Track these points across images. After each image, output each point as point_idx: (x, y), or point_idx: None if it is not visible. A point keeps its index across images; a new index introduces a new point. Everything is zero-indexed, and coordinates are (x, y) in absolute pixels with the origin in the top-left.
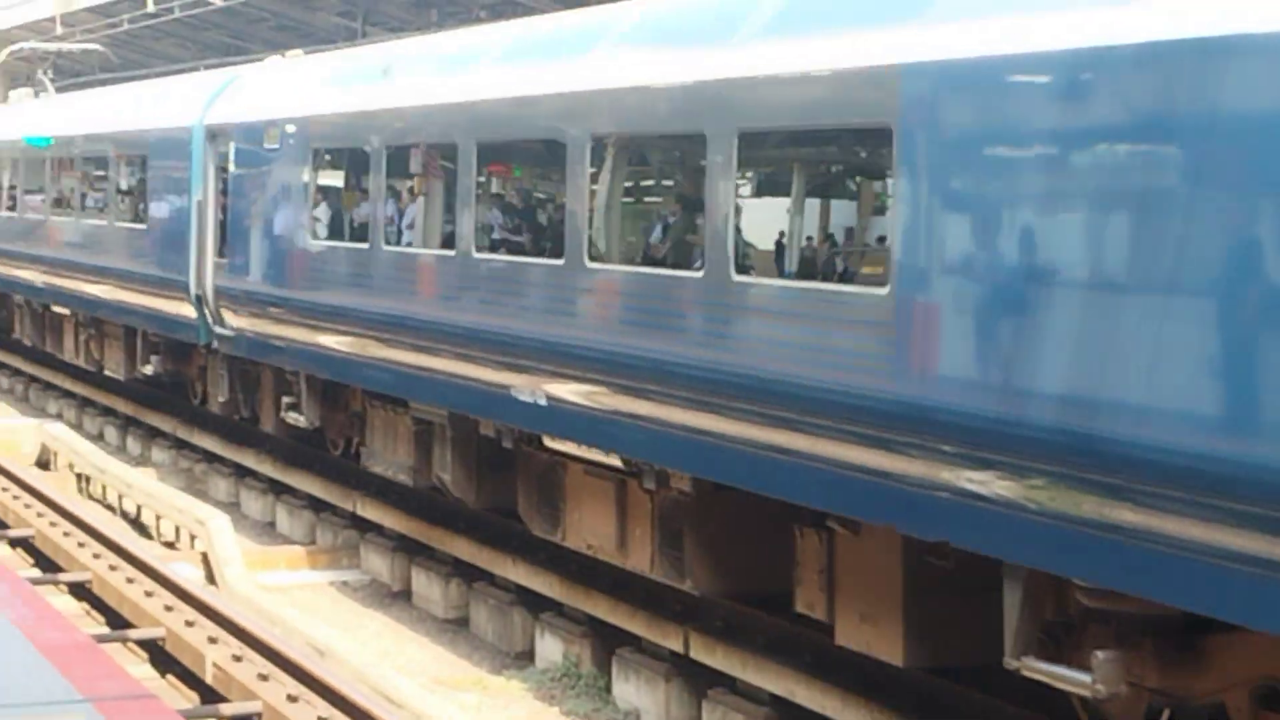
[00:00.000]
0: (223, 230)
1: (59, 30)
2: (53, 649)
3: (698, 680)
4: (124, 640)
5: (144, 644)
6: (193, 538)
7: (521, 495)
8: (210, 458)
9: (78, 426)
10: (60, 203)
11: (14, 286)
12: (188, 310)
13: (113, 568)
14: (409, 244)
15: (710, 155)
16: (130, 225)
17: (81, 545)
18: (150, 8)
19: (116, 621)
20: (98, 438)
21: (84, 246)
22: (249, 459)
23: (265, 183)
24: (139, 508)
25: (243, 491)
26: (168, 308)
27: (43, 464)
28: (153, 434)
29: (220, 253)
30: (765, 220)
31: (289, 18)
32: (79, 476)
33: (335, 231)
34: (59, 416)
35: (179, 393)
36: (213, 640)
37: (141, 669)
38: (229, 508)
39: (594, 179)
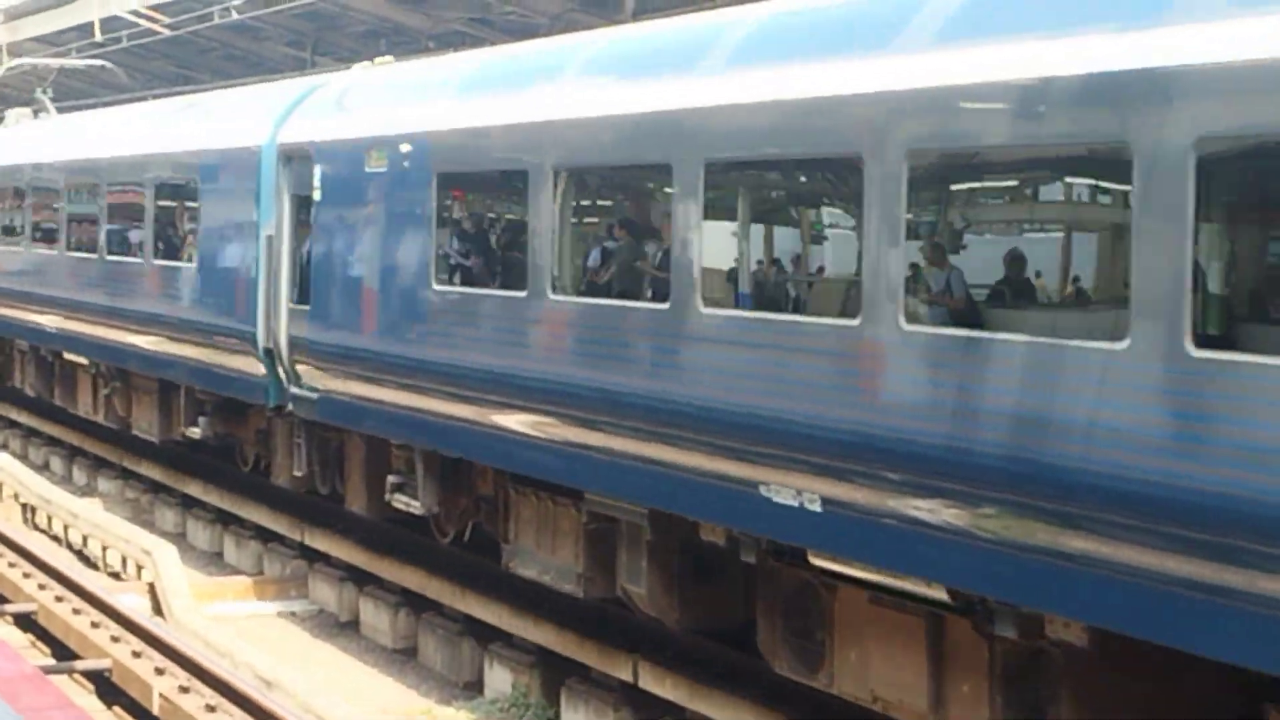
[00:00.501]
0: (303, 271)
1: (6, 59)
2: None
3: (647, 710)
4: (70, 672)
5: (90, 675)
6: (139, 568)
7: (762, 622)
8: (157, 488)
9: (23, 456)
10: (79, 238)
11: (18, 331)
12: (253, 366)
13: (59, 599)
14: (592, 294)
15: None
16: (173, 264)
17: (27, 576)
18: (97, 37)
19: (63, 653)
20: (43, 468)
21: (110, 288)
22: (195, 489)
23: (367, 214)
24: (85, 538)
25: (190, 522)
26: (224, 361)
27: None
28: (99, 464)
29: (299, 298)
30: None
31: (237, 48)
32: (24, 507)
33: (475, 274)
34: (4, 446)
35: (226, 458)
36: (160, 671)
37: (88, 700)
38: (176, 538)
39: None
